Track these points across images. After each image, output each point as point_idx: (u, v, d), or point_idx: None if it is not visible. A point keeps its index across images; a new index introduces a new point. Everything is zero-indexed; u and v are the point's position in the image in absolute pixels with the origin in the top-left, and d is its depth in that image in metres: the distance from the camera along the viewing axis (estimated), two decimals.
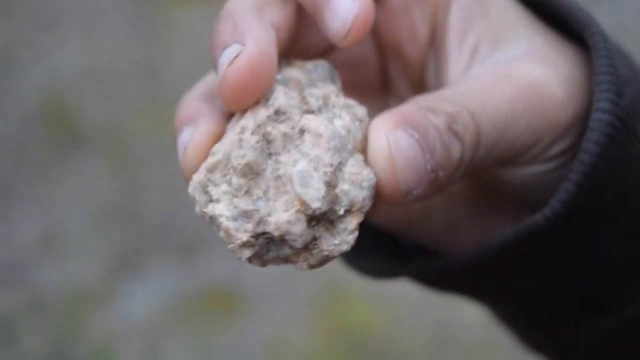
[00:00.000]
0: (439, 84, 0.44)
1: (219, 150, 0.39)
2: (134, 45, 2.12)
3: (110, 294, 1.59)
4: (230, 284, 1.60)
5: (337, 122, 0.39)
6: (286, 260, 0.39)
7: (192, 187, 0.39)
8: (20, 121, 1.95)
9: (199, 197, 0.39)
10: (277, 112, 0.39)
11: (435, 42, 0.45)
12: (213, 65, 0.40)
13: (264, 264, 0.39)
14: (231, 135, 0.39)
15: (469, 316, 1.50)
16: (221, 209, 0.38)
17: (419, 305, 1.54)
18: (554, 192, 0.42)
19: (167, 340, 1.51)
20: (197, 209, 0.39)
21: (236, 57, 0.39)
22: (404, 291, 1.55)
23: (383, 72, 0.47)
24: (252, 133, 0.39)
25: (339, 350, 1.47)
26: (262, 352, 1.49)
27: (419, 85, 0.46)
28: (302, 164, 0.38)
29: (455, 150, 0.39)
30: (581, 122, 0.42)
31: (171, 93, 1.97)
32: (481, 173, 0.44)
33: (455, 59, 0.44)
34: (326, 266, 0.39)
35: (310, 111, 0.40)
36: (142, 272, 1.63)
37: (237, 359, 1.48)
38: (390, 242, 0.50)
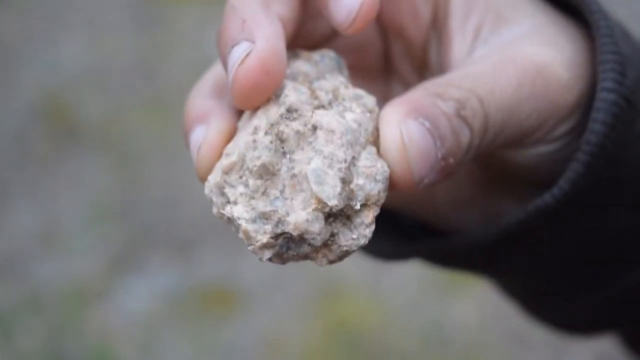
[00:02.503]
0: (442, 66, 0.44)
1: (234, 151, 0.39)
2: (134, 42, 2.12)
3: (109, 289, 1.59)
4: (228, 281, 1.61)
5: (349, 116, 0.39)
6: (306, 257, 0.39)
7: (209, 189, 0.39)
8: (20, 116, 1.95)
9: (216, 199, 0.39)
10: (289, 110, 0.39)
11: (437, 23, 0.44)
12: (222, 62, 0.40)
13: (284, 262, 0.39)
14: (245, 135, 0.39)
15: (462, 316, 1.50)
16: (239, 211, 0.38)
17: (414, 304, 1.54)
18: (562, 172, 0.42)
19: (165, 336, 1.51)
20: (215, 210, 0.39)
21: (247, 55, 0.38)
22: (399, 290, 1.56)
23: (386, 54, 0.47)
24: (266, 133, 0.39)
25: (335, 347, 1.47)
26: (259, 349, 1.49)
27: (422, 67, 0.46)
28: (316, 162, 0.38)
29: (465, 136, 0.39)
30: (585, 102, 0.43)
31: (171, 90, 1.97)
32: (487, 155, 0.44)
33: (459, 40, 0.43)
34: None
35: (321, 106, 0.40)
36: (141, 268, 1.63)
37: (234, 354, 1.49)
38: (394, 221, 0.50)
